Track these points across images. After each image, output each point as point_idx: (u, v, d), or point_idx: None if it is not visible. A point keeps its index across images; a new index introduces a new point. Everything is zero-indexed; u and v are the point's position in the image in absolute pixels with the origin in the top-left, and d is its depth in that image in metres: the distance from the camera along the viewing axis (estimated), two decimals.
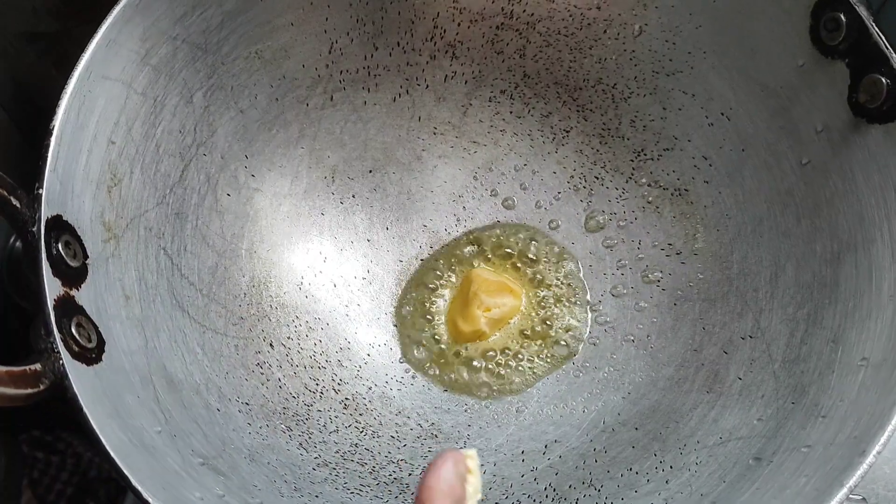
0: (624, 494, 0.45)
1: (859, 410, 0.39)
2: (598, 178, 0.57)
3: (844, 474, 0.36)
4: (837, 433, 0.39)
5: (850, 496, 0.36)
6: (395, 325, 0.56)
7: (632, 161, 0.56)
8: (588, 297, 0.55)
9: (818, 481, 0.38)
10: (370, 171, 0.58)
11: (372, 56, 0.55)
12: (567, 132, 0.57)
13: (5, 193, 0.38)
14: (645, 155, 0.55)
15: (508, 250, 0.57)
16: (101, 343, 0.40)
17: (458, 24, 0.55)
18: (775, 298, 0.47)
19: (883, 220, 0.43)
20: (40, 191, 0.38)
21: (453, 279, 0.56)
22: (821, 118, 0.45)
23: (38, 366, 0.36)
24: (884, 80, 0.42)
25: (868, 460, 0.36)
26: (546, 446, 0.49)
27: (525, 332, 0.54)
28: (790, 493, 0.38)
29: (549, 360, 0.53)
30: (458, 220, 0.59)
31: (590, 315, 0.55)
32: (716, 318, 0.50)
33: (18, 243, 0.51)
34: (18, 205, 0.38)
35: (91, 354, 0.39)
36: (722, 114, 0.51)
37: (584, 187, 0.57)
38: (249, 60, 0.50)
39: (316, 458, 0.47)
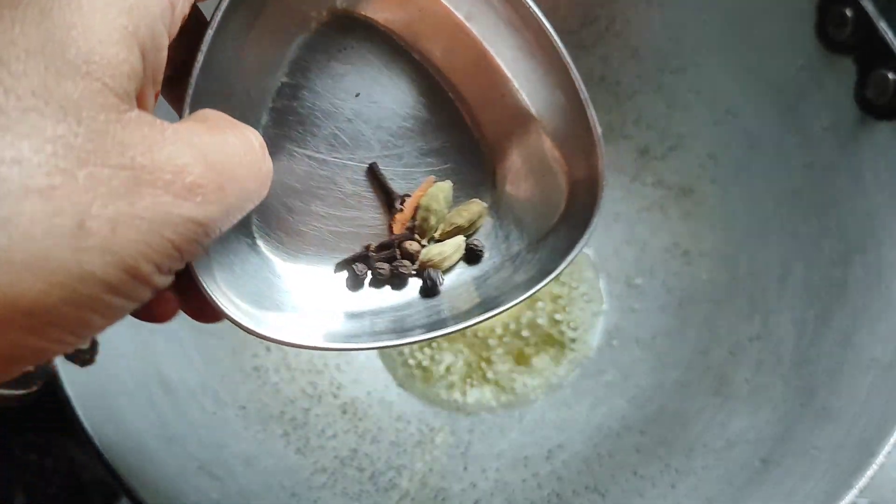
0: (629, 499, 0.44)
1: (868, 412, 0.39)
2: None
3: (853, 476, 0.36)
4: (846, 435, 0.39)
5: (857, 500, 0.36)
6: None
7: (636, 160, 0.55)
8: (591, 300, 0.55)
9: (827, 483, 0.37)
10: None
11: None
12: None
13: None
14: (650, 154, 0.55)
15: None
16: (95, 345, 0.40)
17: None
18: (783, 299, 0.47)
19: (892, 219, 0.42)
20: None
21: None
22: (828, 115, 0.45)
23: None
24: (891, 75, 0.41)
25: (877, 461, 0.36)
26: (549, 451, 0.49)
27: (530, 337, 0.53)
28: (798, 496, 0.38)
29: (552, 365, 0.53)
30: None
31: (593, 318, 0.54)
32: (723, 320, 0.50)
33: None
34: None
35: (85, 356, 0.39)
36: (728, 112, 0.51)
37: None
38: None
39: (314, 463, 0.47)
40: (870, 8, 0.42)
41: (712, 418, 0.46)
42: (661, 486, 0.44)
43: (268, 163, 0.25)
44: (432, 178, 0.34)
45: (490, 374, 0.52)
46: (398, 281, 0.34)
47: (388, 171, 0.34)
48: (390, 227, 0.34)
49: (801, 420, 0.42)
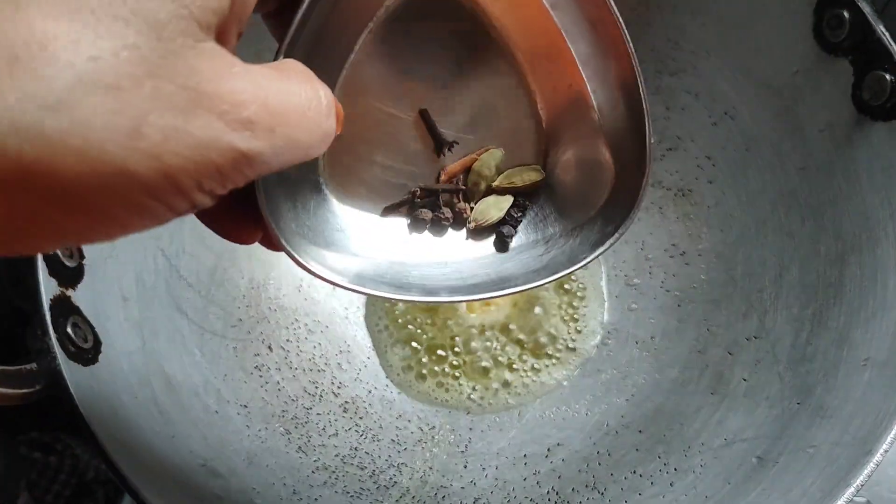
0: (628, 497, 0.44)
1: (865, 410, 0.39)
2: None
3: (850, 474, 0.36)
4: (843, 433, 0.39)
5: (854, 499, 0.36)
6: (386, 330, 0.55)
7: None
8: (590, 299, 0.55)
9: (824, 482, 0.37)
10: None
11: None
12: None
13: None
14: None
15: None
16: (98, 344, 0.40)
17: None
18: (780, 299, 0.47)
19: (888, 220, 0.42)
20: None
21: None
22: (825, 116, 0.45)
23: (33, 365, 0.36)
24: (888, 76, 0.41)
25: (874, 460, 0.36)
26: (549, 449, 0.49)
27: (526, 339, 0.54)
28: (795, 493, 0.38)
29: (551, 364, 0.53)
30: None
31: (592, 317, 0.54)
32: (720, 319, 0.50)
33: None
34: None
35: (87, 355, 0.39)
36: (725, 113, 0.51)
37: None
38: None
39: (315, 461, 0.47)
40: (867, 10, 0.42)
41: (710, 417, 0.46)
42: (660, 484, 0.44)
43: (329, 123, 0.27)
44: (490, 147, 0.36)
45: (489, 373, 0.53)
46: (437, 229, 0.36)
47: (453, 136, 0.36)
48: (437, 176, 0.36)
49: (797, 418, 0.42)
